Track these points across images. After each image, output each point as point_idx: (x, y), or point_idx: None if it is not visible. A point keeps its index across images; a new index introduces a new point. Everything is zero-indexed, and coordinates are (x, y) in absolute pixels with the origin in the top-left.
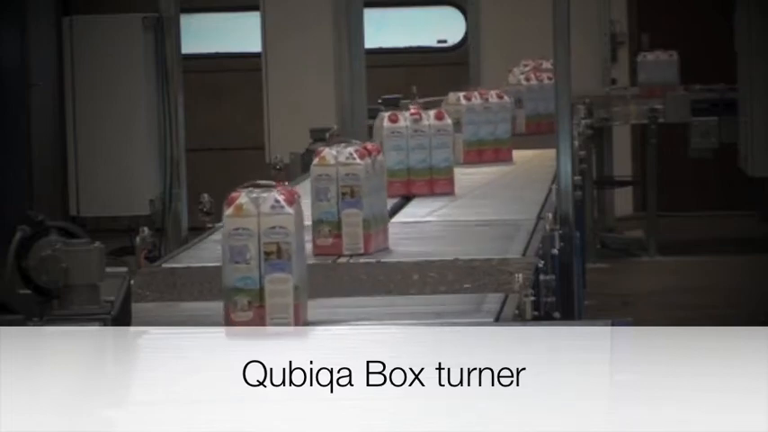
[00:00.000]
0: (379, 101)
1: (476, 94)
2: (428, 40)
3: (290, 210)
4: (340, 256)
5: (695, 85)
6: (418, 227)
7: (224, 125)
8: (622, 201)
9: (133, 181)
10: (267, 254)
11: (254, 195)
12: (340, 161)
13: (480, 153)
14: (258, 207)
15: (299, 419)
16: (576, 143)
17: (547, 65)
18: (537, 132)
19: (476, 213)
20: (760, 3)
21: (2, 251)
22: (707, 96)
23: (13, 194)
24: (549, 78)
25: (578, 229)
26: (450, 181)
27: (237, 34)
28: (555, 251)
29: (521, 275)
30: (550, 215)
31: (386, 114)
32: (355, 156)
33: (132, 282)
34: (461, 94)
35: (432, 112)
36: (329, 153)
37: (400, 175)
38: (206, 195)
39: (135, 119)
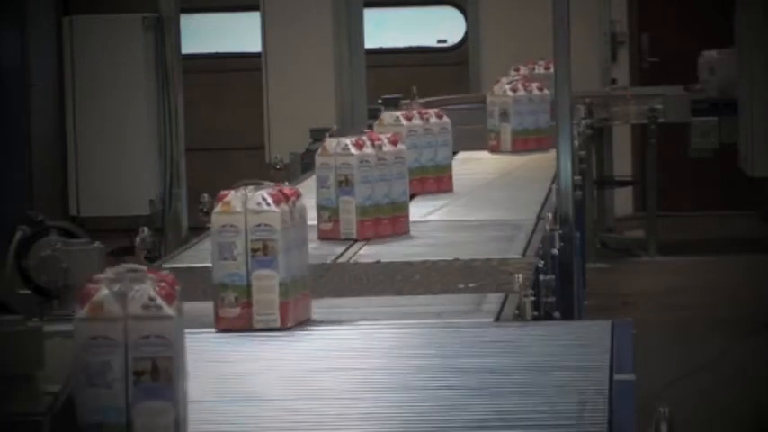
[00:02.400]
0: (379, 101)
1: (415, 113)
2: (428, 40)
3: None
4: (249, 330)
5: (695, 85)
6: (418, 227)
7: (224, 125)
8: (622, 201)
9: (133, 181)
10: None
11: (117, 287)
12: (250, 208)
13: (423, 182)
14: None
15: (298, 419)
16: (576, 143)
17: (540, 69)
18: (524, 149)
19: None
20: (760, 3)
21: (2, 251)
22: (707, 96)
23: (13, 194)
24: (540, 89)
25: (578, 229)
26: (407, 218)
27: (237, 34)
28: (555, 251)
29: (521, 275)
30: (550, 215)
31: (347, 141)
32: (269, 201)
33: None
34: (400, 113)
35: (385, 137)
36: (235, 197)
37: (370, 214)
38: (206, 195)
39: (135, 119)
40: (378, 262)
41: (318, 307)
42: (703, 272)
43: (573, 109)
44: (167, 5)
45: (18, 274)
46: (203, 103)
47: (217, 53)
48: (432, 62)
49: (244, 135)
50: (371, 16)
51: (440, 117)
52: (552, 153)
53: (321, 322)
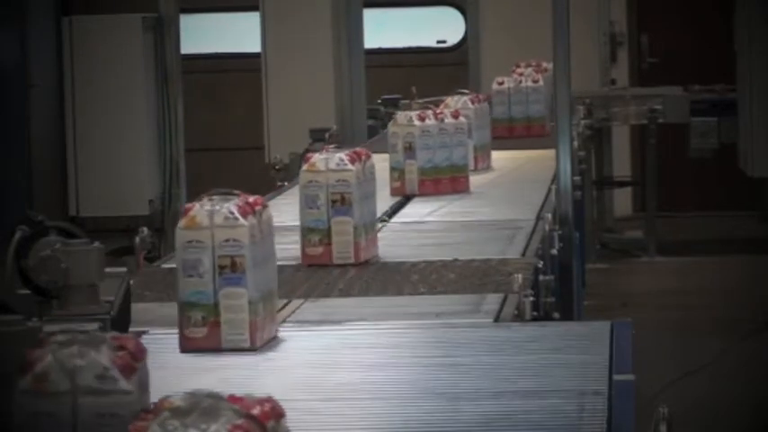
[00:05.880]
0: (379, 101)
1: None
2: (428, 40)
3: None
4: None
5: (695, 85)
6: (418, 227)
7: (224, 125)
8: (622, 201)
9: (133, 181)
10: None
11: None
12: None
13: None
14: None
15: (297, 419)
16: (576, 143)
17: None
18: (435, 192)
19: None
20: (760, 3)
21: (2, 251)
22: (706, 96)
23: (13, 194)
24: (455, 117)
25: (578, 229)
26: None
27: (237, 34)
28: (554, 251)
29: (520, 276)
30: (550, 215)
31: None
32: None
33: (132, 282)
34: (345, 156)
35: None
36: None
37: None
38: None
39: (135, 119)
40: (377, 262)
41: (319, 307)
42: (703, 272)
43: (573, 109)
44: (167, 5)
45: (18, 274)
46: (203, 103)
47: (217, 53)
48: (431, 62)
49: (243, 135)
50: (371, 16)
51: (362, 158)
52: (469, 197)
53: (321, 322)
